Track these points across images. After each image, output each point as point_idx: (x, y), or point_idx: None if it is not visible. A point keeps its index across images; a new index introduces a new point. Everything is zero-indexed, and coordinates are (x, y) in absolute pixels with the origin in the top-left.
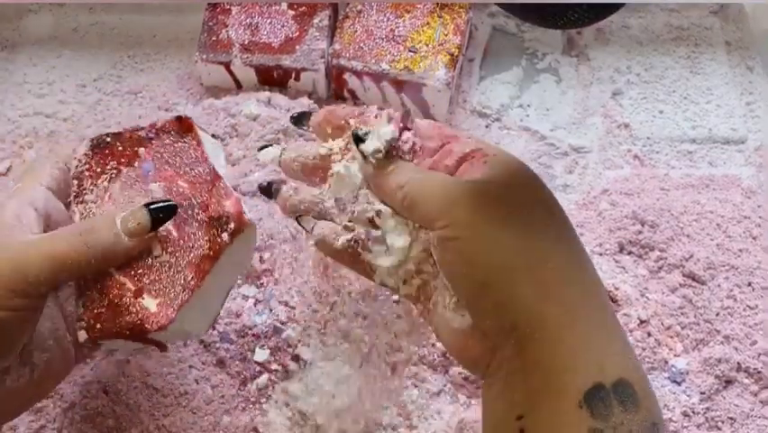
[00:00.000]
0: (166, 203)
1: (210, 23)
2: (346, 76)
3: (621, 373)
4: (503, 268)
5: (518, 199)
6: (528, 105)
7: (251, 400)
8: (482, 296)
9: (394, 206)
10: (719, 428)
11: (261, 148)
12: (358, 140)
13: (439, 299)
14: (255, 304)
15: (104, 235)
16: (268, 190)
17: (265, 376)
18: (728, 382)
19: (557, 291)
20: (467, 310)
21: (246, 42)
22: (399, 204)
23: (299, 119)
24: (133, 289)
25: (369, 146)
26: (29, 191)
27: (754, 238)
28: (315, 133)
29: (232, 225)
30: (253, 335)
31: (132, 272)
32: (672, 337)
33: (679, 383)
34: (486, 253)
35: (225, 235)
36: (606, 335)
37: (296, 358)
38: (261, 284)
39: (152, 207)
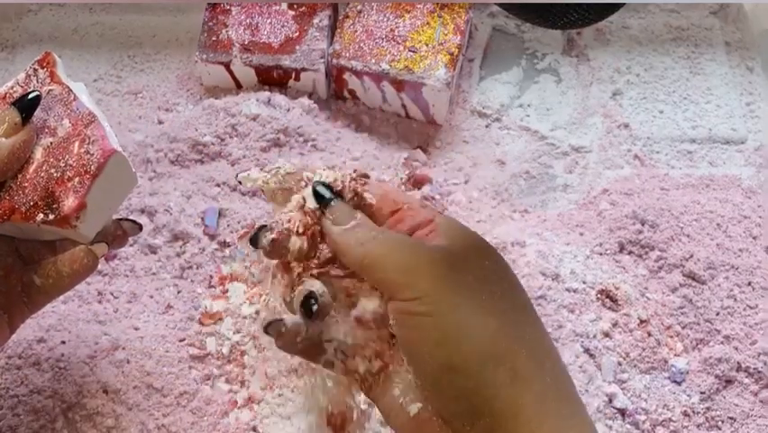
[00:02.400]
0: (29, 95)
1: (210, 23)
2: (346, 76)
3: None
4: (475, 352)
5: (484, 273)
6: (528, 105)
7: (251, 399)
8: (449, 380)
9: (352, 266)
10: (719, 428)
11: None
12: (317, 196)
13: (394, 379)
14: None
15: None
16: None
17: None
18: (728, 382)
19: (529, 379)
20: (428, 392)
21: (246, 42)
22: (359, 263)
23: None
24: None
25: (316, 191)
26: None
27: (755, 238)
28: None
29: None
30: (253, 336)
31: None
32: (672, 337)
33: (679, 383)
34: (457, 335)
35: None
36: (577, 424)
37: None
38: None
39: (18, 104)
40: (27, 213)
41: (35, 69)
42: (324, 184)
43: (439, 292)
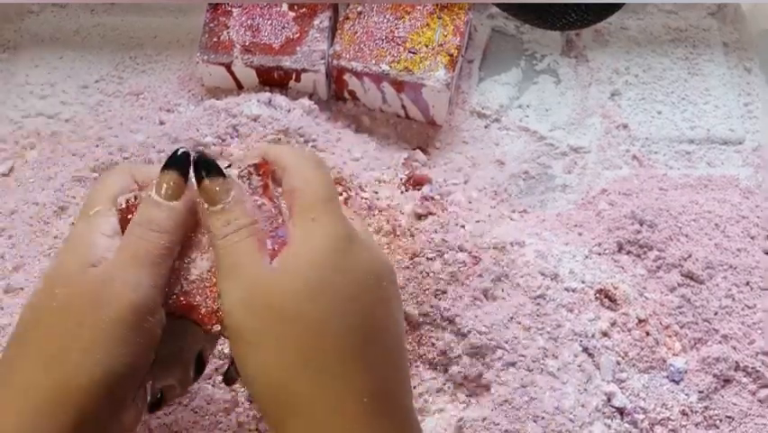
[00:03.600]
0: (175, 153)
1: (211, 25)
2: (346, 77)
3: None
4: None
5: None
6: (527, 106)
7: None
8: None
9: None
10: (717, 427)
11: None
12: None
13: None
14: None
15: (154, 212)
16: None
17: None
18: (726, 381)
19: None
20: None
21: (247, 43)
22: (215, 251)
23: None
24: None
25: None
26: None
27: (752, 238)
28: None
29: None
30: None
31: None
32: (670, 337)
33: (677, 382)
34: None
35: None
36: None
37: None
38: None
39: (167, 167)
40: (206, 317)
41: (249, 172)
42: (206, 158)
43: (239, 327)
